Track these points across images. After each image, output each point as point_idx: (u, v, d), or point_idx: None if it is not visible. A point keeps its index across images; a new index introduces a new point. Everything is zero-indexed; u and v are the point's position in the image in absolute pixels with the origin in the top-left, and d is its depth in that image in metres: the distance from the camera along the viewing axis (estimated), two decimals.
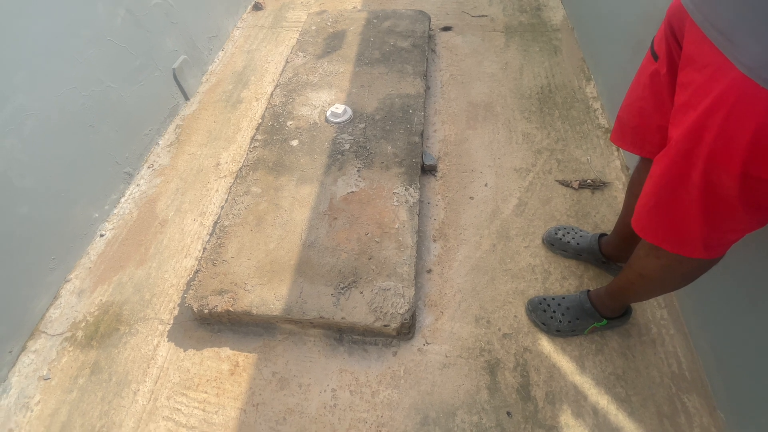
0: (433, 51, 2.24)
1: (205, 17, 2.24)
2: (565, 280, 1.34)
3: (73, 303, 1.42)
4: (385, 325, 1.16)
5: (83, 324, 1.37)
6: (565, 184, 1.58)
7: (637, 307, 1.24)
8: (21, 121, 1.29)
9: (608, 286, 1.11)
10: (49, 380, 1.26)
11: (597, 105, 1.85)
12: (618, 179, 1.58)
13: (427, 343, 1.24)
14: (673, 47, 0.73)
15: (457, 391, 1.15)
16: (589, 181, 1.57)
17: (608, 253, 1.27)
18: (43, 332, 1.36)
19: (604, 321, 1.15)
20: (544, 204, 1.53)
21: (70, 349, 1.32)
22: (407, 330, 1.21)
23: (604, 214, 1.49)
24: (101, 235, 1.60)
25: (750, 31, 0.53)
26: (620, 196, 1.53)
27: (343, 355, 1.23)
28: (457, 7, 2.54)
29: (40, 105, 1.35)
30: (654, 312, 1.24)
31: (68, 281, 1.48)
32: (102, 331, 1.35)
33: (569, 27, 2.29)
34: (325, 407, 1.15)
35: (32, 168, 1.33)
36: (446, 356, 1.21)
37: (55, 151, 1.42)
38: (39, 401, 1.22)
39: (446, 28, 2.40)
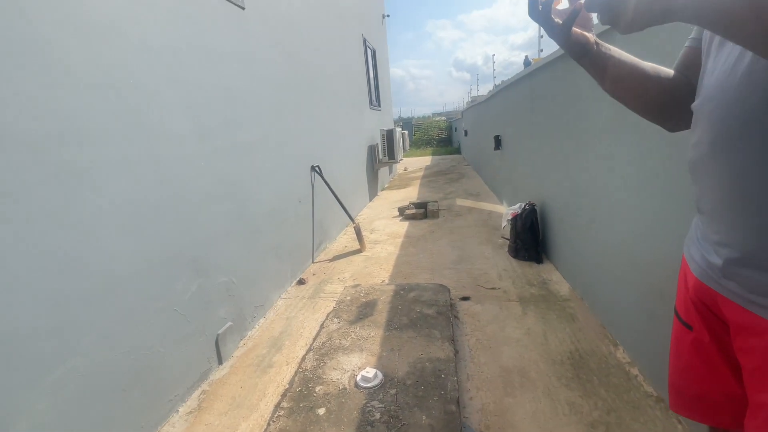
0: (456, 317, 2.42)
1: (257, 291, 2.61)
2: None
3: None
4: None
5: None
6: None
7: None
8: (66, 384, 1.32)
9: None
10: None
11: (635, 371, 1.79)
12: None
13: None
14: (709, 318, 0.75)
15: None
16: None
17: None
18: None
19: None
20: None
21: None
22: None
23: None
24: None
25: None
26: None
27: None
28: (472, 281, 2.93)
29: (91, 369, 1.41)
30: None
31: None
32: None
33: (577, 297, 2.53)
34: None
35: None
36: None
37: (83, 415, 1.36)
38: None
39: (465, 298, 2.68)
